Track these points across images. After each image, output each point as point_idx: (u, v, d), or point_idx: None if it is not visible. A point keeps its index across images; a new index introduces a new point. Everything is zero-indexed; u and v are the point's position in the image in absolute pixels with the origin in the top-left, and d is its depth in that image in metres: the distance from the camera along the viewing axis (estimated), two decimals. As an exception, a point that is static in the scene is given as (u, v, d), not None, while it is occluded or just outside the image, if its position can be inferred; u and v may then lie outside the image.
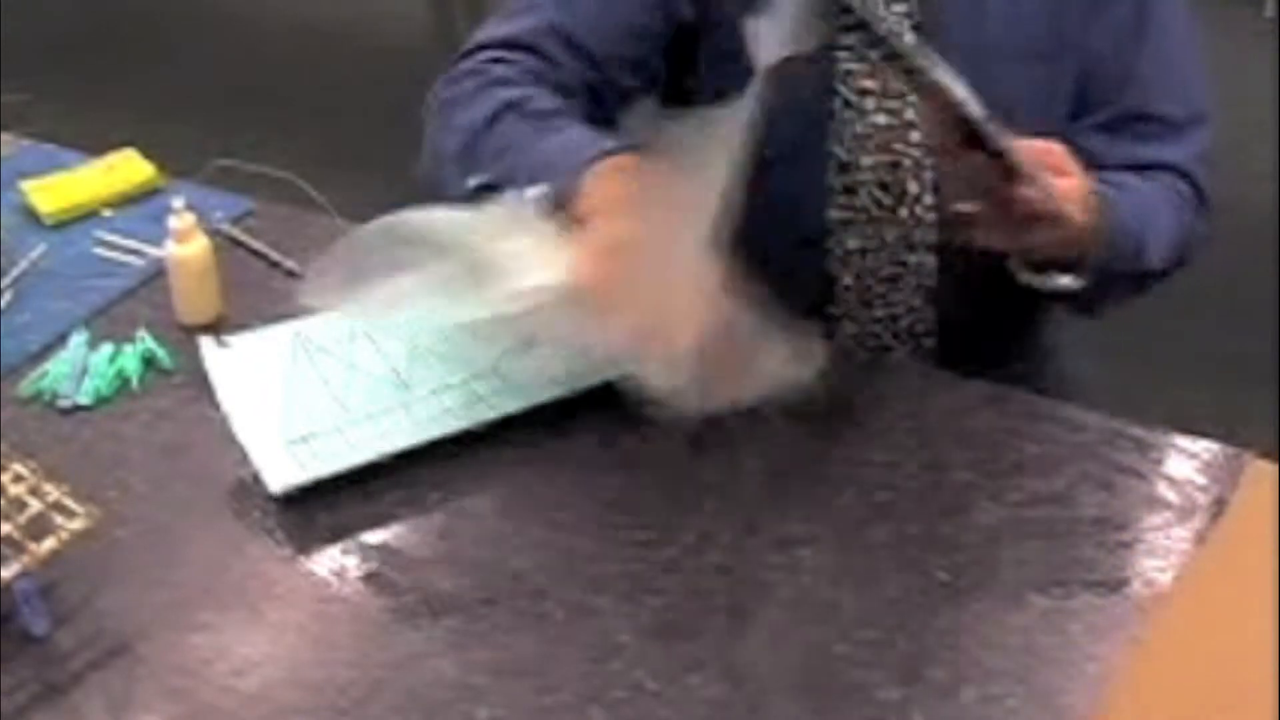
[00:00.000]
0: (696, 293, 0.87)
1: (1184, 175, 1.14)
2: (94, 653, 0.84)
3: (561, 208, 0.95)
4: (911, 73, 0.91)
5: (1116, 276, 1.07)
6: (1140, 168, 1.13)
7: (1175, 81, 1.14)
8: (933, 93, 0.92)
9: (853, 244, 1.15)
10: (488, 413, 0.99)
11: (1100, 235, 1.01)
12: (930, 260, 1.15)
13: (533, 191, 0.98)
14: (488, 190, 1.02)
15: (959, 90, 0.90)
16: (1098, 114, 1.13)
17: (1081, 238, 0.99)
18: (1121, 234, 1.04)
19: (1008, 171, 0.93)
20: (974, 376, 1.06)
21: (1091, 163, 1.13)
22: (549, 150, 1.02)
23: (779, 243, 1.15)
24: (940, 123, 0.95)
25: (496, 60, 1.10)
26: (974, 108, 0.90)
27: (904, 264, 1.15)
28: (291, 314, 1.10)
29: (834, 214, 1.14)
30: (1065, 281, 1.03)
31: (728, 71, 1.15)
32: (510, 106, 1.06)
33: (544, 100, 1.07)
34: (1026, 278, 1.04)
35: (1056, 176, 0.96)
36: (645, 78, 1.15)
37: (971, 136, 0.92)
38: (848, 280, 1.16)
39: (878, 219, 1.14)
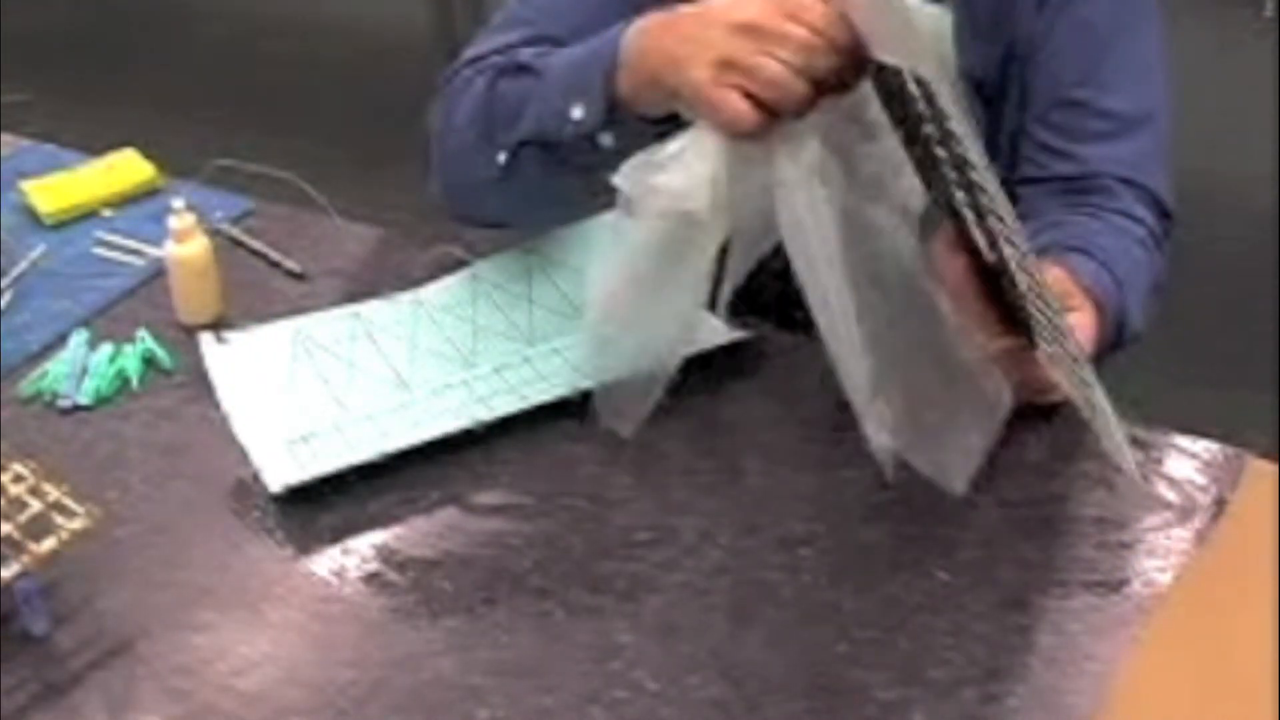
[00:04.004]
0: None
1: (1143, 189, 1.11)
2: (94, 653, 0.84)
3: (616, 100, 0.93)
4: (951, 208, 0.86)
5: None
6: (1087, 179, 1.11)
7: (1119, 75, 1.12)
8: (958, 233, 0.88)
9: None
10: (487, 413, 0.99)
11: (1094, 355, 0.97)
12: None
13: (577, 112, 0.94)
14: (524, 149, 1.00)
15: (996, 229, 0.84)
16: (1036, 104, 1.12)
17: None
18: (1113, 329, 1.02)
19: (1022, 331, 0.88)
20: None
21: (1037, 169, 1.13)
22: (571, 57, 0.99)
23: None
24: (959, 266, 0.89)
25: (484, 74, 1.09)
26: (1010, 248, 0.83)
27: None
28: (291, 314, 1.11)
29: None
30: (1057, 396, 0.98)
31: None
32: (502, 70, 1.05)
33: (530, 54, 1.05)
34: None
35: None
36: None
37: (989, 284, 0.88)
38: None
39: None
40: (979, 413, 0.90)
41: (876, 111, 0.86)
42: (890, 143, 0.87)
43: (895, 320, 0.87)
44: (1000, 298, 0.88)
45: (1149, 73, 1.14)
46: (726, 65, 0.84)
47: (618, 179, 0.87)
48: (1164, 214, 1.13)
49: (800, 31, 0.83)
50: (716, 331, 1.05)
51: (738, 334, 1.05)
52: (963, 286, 0.88)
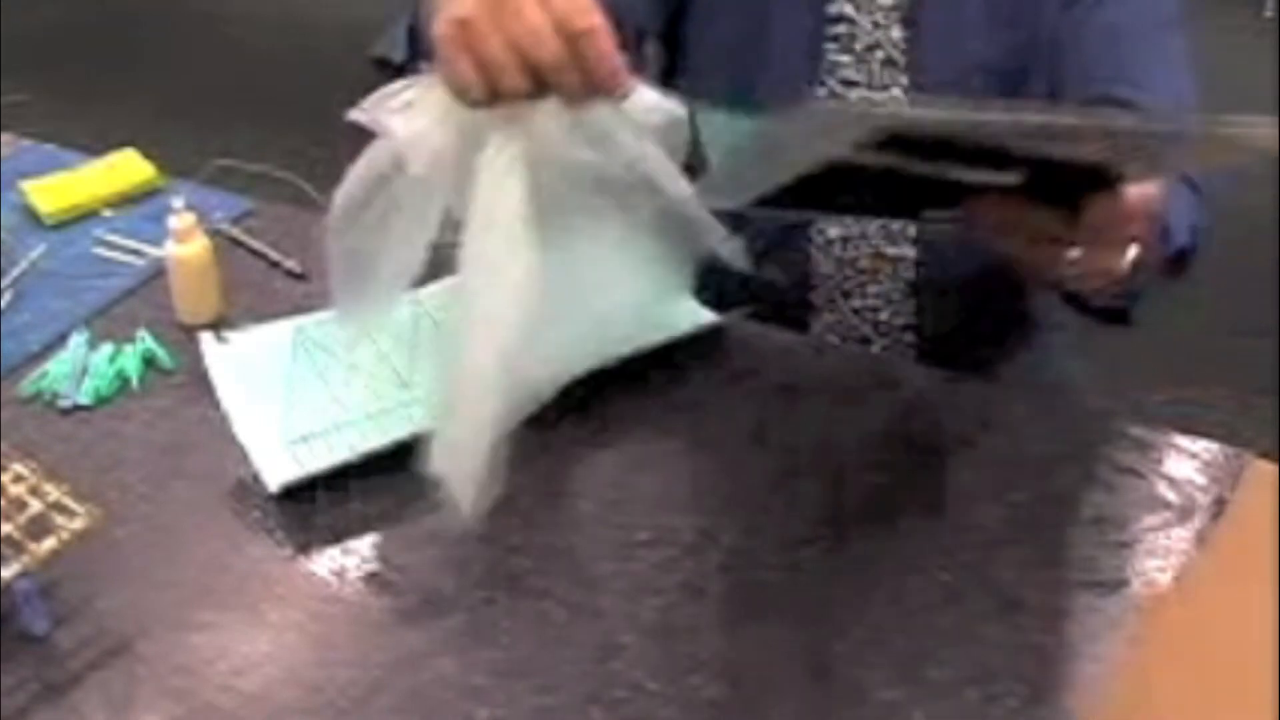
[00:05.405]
0: None
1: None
2: (94, 653, 0.84)
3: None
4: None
5: (1149, 275, 0.98)
6: None
7: (1153, 73, 1.12)
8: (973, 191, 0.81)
9: (833, 233, 1.15)
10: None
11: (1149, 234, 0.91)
12: (910, 253, 1.15)
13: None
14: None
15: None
16: (1065, 99, 1.12)
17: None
18: (1155, 216, 0.94)
19: (1093, 183, 0.81)
20: (961, 376, 1.06)
21: None
22: None
23: (763, 228, 1.16)
24: (995, 216, 0.83)
25: None
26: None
27: (883, 256, 1.15)
28: (291, 314, 1.11)
29: None
30: (1130, 254, 0.90)
31: (714, 34, 1.16)
32: None
33: None
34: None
35: None
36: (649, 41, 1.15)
37: (1019, 198, 0.82)
38: (827, 269, 1.16)
39: None
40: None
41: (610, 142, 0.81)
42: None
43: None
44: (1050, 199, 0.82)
45: (1180, 70, 1.14)
46: (464, 25, 0.76)
47: (355, 113, 0.83)
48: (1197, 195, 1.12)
49: (535, 17, 0.74)
50: (690, 316, 1.05)
51: (707, 319, 1.06)
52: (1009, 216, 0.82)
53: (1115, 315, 1.04)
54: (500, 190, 0.80)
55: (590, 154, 0.82)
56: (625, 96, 0.79)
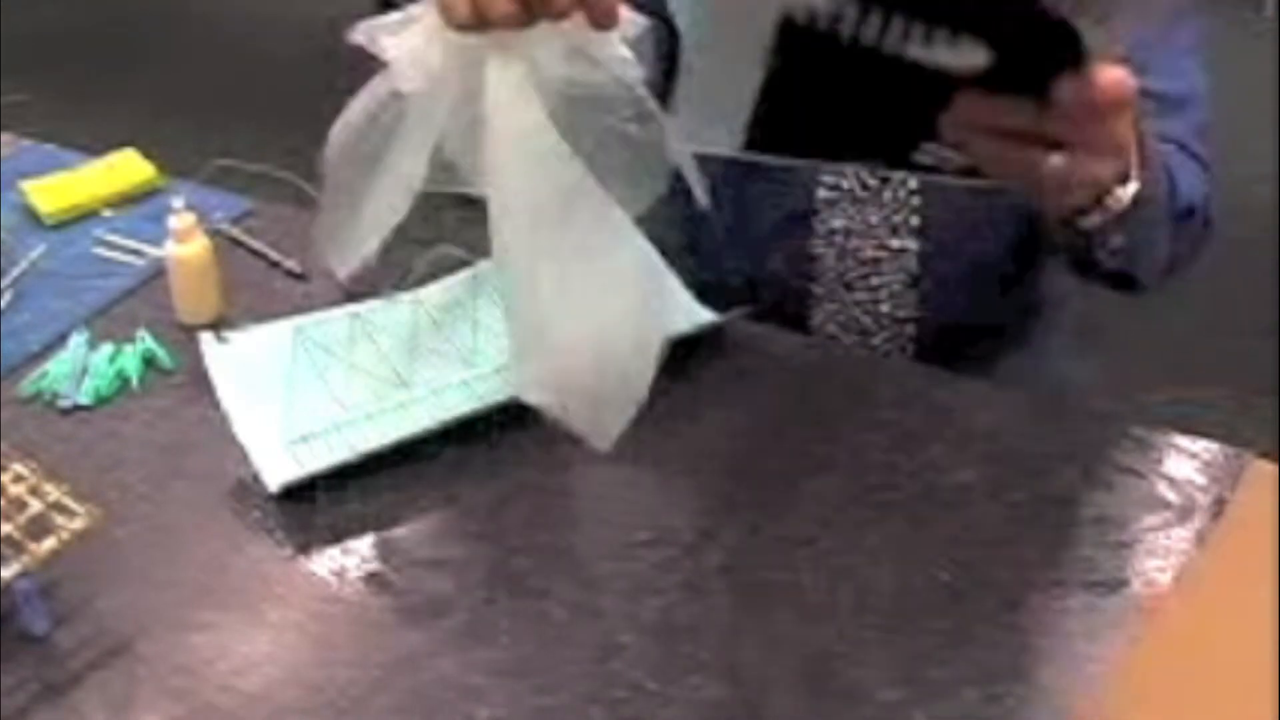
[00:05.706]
0: None
1: (1183, 148, 1.12)
2: (94, 653, 0.84)
3: None
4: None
5: (1156, 223, 0.99)
6: None
7: (1158, 57, 1.11)
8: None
9: (837, 223, 1.15)
10: (487, 413, 0.99)
11: (1139, 135, 0.90)
12: (913, 245, 1.15)
13: None
14: None
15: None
16: None
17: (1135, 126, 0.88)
18: (1154, 153, 0.94)
19: (1061, 65, 0.77)
20: (960, 372, 1.06)
21: None
22: None
23: (769, 216, 1.16)
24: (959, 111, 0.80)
25: None
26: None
27: (886, 247, 1.16)
28: (291, 314, 1.11)
29: (821, 193, 1.15)
30: (1130, 188, 0.89)
31: None
32: None
33: None
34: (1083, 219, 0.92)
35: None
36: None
37: (981, 88, 0.78)
38: (830, 259, 1.16)
39: (862, 200, 1.14)
40: (628, 369, 0.87)
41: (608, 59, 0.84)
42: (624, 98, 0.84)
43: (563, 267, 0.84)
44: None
45: (1188, 56, 1.13)
46: None
47: (354, 34, 0.85)
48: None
49: None
50: (689, 315, 1.05)
51: (706, 318, 1.06)
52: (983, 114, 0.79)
53: (1124, 280, 1.04)
54: (515, 108, 0.81)
55: (583, 78, 0.84)
56: (616, 27, 0.80)
